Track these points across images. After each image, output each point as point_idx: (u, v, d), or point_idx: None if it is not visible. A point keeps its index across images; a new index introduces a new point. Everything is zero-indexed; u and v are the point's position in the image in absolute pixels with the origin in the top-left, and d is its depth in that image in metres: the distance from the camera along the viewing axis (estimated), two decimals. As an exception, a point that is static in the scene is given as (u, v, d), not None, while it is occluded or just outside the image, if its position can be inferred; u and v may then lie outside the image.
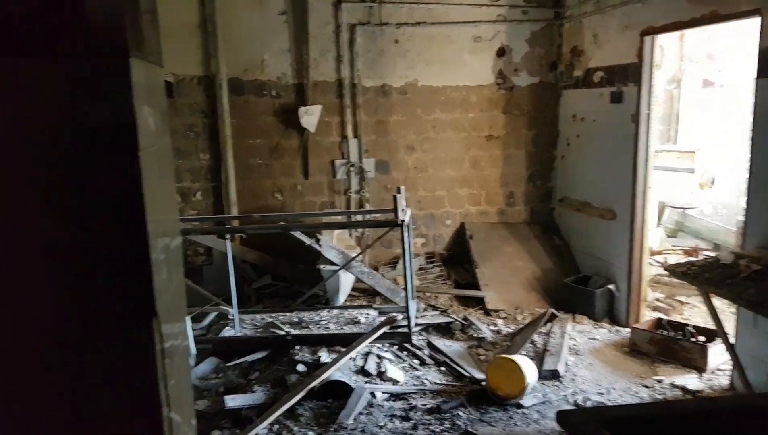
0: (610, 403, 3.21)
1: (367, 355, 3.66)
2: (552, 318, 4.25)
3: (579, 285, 4.56)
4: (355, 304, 4.67)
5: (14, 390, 0.94)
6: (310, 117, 4.88)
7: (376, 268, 5.02)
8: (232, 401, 3.11)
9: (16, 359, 0.94)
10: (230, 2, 4.72)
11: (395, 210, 3.75)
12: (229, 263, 3.98)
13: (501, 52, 5.16)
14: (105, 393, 0.97)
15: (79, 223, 1.00)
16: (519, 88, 5.24)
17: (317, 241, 4.38)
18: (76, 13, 1.02)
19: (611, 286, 4.39)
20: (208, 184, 4.98)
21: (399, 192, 3.83)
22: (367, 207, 5.11)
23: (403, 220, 3.69)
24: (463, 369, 3.57)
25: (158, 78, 1.22)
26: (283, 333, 3.90)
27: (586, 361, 3.76)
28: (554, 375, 3.48)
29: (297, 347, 3.68)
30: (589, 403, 3.24)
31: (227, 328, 4.07)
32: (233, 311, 4.00)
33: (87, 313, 0.97)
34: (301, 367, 3.48)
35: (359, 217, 4.92)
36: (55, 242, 0.98)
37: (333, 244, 4.49)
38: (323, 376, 3.23)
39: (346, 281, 4.64)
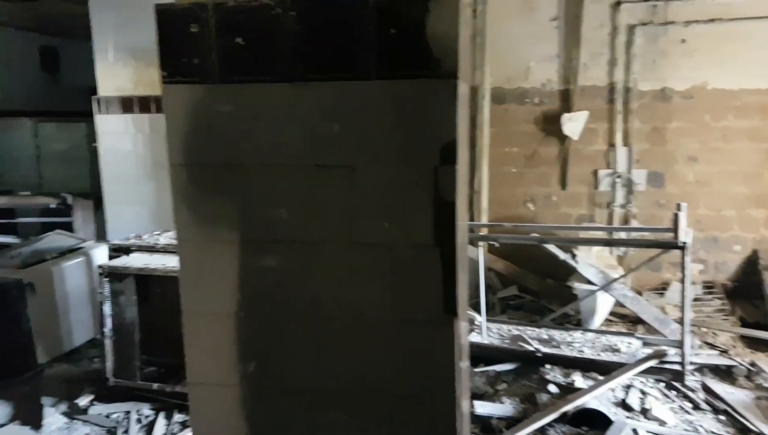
0: None
1: (628, 387, 3.30)
2: None
3: None
4: (614, 329, 4.27)
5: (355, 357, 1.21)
6: (573, 124, 4.64)
7: (639, 293, 4.53)
8: (482, 408, 3.10)
9: (360, 336, 1.19)
10: (500, 13, 4.75)
11: (675, 229, 3.30)
12: (480, 271, 4.00)
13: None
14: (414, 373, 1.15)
15: (413, 225, 1.13)
16: None
17: (573, 256, 4.13)
18: (419, 40, 1.10)
19: None
20: (463, 191, 5.09)
21: (680, 209, 3.37)
22: (634, 223, 4.64)
23: (684, 242, 3.23)
24: (750, 423, 2.98)
25: (466, 94, 1.25)
26: (532, 349, 3.76)
27: None
28: None
29: (548, 366, 3.51)
30: None
31: (474, 333, 4.09)
32: (480, 318, 4.00)
33: (407, 310, 1.07)
34: (552, 388, 3.30)
35: (624, 235, 4.49)
36: (394, 242, 1.09)
37: (591, 262, 4.18)
38: (578, 402, 3.01)
39: (604, 303, 4.27)
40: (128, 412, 3.14)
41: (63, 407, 3.23)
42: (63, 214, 5.84)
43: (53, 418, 3.14)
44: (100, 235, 5.21)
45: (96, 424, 3.07)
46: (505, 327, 4.21)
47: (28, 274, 3.64)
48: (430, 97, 1.12)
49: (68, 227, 5.51)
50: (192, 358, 1.36)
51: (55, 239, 4.30)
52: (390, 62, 1.13)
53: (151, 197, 4.69)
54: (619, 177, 4.70)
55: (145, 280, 3.23)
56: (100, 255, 4.11)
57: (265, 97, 1.19)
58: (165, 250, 3.37)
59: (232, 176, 1.24)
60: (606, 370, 3.35)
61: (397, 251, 1.18)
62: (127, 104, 4.58)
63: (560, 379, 3.40)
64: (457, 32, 1.11)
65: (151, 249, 3.39)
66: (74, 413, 3.17)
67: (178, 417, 3.08)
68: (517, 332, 4.07)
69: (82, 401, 3.26)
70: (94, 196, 5.75)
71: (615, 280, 3.96)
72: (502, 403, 3.19)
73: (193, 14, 1.18)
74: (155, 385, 3.19)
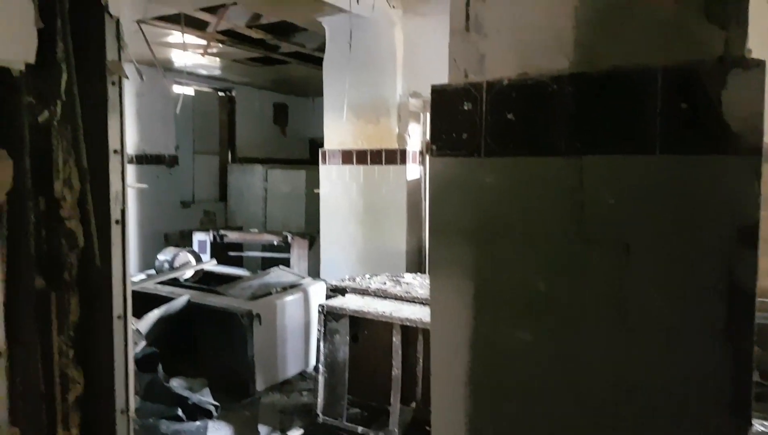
0: None
1: None
2: None
3: None
4: None
5: None
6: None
7: None
8: None
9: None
10: None
11: None
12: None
13: None
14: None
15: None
16: None
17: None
18: (714, 115, 1.02)
19: None
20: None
21: None
22: None
23: None
24: None
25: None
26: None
27: None
28: None
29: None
30: None
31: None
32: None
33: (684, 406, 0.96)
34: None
35: None
36: (673, 328, 1.01)
37: None
38: None
39: None
40: (333, 452, 3.31)
41: (276, 436, 3.53)
42: (282, 250, 6.56)
43: (266, 445, 3.44)
44: (312, 272, 5.71)
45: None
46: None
47: (256, 306, 4.09)
48: (727, 174, 1.02)
49: (286, 263, 6.16)
50: (438, 422, 1.37)
51: (279, 274, 4.81)
52: (678, 137, 1.06)
53: (359, 241, 5.04)
54: None
55: (357, 321, 3.43)
56: (315, 292, 4.48)
57: (533, 169, 1.20)
58: (376, 294, 3.56)
59: (492, 246, 1.25)
60: None
61: (675, 338, 1.07)
62: (346, 156, 5.04)
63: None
64: (761, 107, 1.00)
65: (364, 292, 3.60)
66: (286, 444, 3.43)
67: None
68: (762, 428, 3.46)
69: (293, 434, 3.52)
70: (309, 235, 6.37)
71: None
72: None
73: (467, 93, 1.23)
74: (360, 429, 3.32)
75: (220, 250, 6.64)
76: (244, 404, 3.87)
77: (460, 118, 1.25)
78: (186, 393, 3.66)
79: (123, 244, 2.46)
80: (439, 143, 1.28)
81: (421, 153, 4.96)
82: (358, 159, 4.98)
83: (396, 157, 4.83)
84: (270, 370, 4.14)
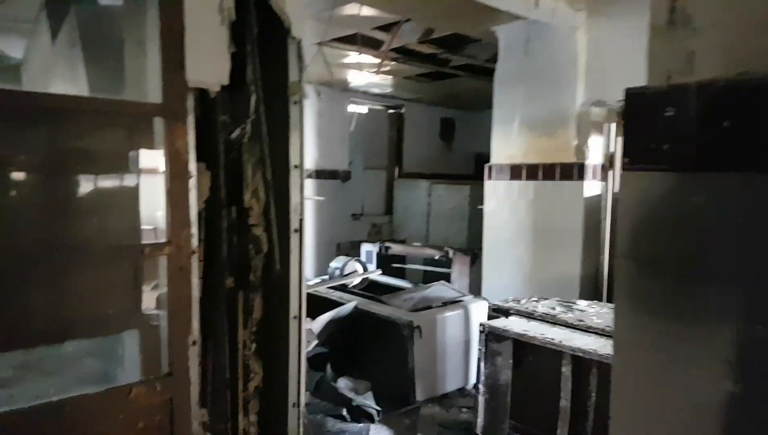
0: None
1: None
2: None
3: None
4: None
5: None
6: None
7: None
8: None
9: None
10: None
11: None
12: None
13: None
14: None
15: None
16: None
17: None
18: None
19: None
20: None
21: None
22: None
23: None
24: None
25: None
26: None
27: None
28: None
29: None
30: None
31: None
32: None
33: None
34: None
35: None
36: None
37: None
38: None
39: None
40: (492, 475, 3.18)
41: (435, 450, 3.48)
42: (443, 265, 6.55)
43: (427, 457, 3.41)
44: (473, 289, 5.60)
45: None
46: None
47: (417, 318, 4.12)
48: None
49: (446, 278, 6.13)
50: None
51: (440, 290, 4.79)
52: None
53: (526, 261, 4.81)
54: None
55: (521, 345, 3.26)
56: (476, 310, 4.38)
57: (753, 189, 0.99)
58: (542, 318, 3.35)
59: (695, 282, 1.06)
60: None
61: None
62: (515, 171, 4.86)
63: None
64: None
65: (529, 315, 3.42)
66: (444, 459, 3.37)
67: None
68: None
69: (452, 449, 3.46)
70: (471, 252, 6.28)
71: None
72: None
73: (671, 96, 1.07)
74: (520, 455, 3.15)
75: (384, 261, 6.84)
76: (403, 412, 3.89)
77: (660, 126, 1.09)
78: (351, 394, 3.79)
79: (300, 251, 2.62)
80: (634, 155, 1.13)
81: (603, 167, 4.54)
82: (529, 174, 4.77)
83: (573, 171, 4.51)
84: (429, 382, 4.13)
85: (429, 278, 6.34)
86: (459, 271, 6.16)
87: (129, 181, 2.23)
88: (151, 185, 2.26)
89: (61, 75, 2.84)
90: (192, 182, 2.24)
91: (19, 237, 1.89)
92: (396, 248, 6.96)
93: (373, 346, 4.26)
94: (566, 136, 4.55)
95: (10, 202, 1.90)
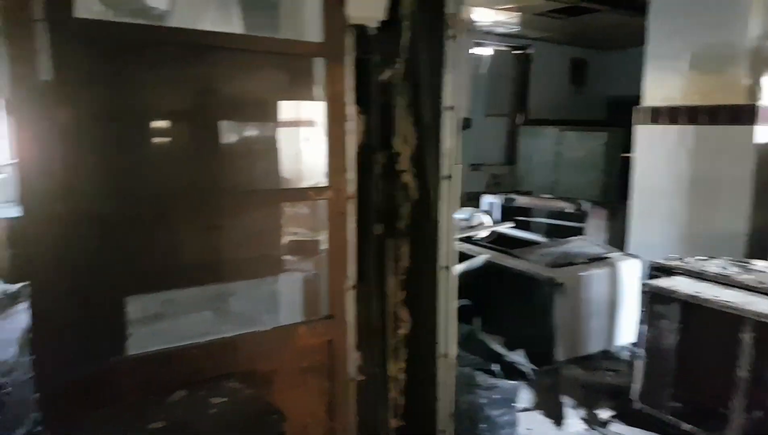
0: None
1: None
2: None
3: None
4: None
5: None
6: None
7: None
8: None
9: None
10: None
11: None
12: None
13: None
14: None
15: None
16: None
17: None
18: None
19: None
20: None
21: None
22: None
23: None
24: None
25: None
26: None
27: None
28: None
29: None
30: None
31: None
32: None
33: None
34: None
35: None
36: None
37: None
38: None
39: None
40: (653, 445, 2.94)
41: (581, 413, 3.27)
42: (571, 218, 6.13)
43: (573, 420, 3.21)
44: (612, 245, 5.20)
45: (617, 445, 2.98)
46: None
47: (558, 274, 3.85)
48: None
49: (576, 232, 5.74)
50: None
51: (582, 245, 4.46)
52: None
53: (680, 215, 4.34)
54: None
55: (690, 308, 2.92)
56: (626, 268, 4.02)
57: None
58: (716, 280, 2.98)
59: None
60: None
61: None
62: (673, 115, 4.33)
63: None
64: None
65: (699, 275, 3.05)
66: (594, 424, 3.16)
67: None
68: None
69: (602, 414, 3.23)
70: (608, 205, 5.81)
71: None
72: None
73: None
74: (686, 425, 2.86)
75: (507, 214, 6.54)
76: (543, 371, 3.71)
77: None
78: (503, 350, 3.67)
79: (450, 199, 2.46)
80: None
81: (780, 110, 3.95)
82: (689, 117, 4.23)
83: (742, 115, 3.93)
84: (571, 342, 3.89)
85: (555, 233, 5.97)
86: (595, 225, 5.74)
87: (289, 124, 2.16)
88: (306, 129, 2.19)
89: (211, 20, 2.81)
90: (350, 126, 2.13)
91: (207, 179, 1.90)
92: (521, 200, 6.62)
93: (509, 301, 4.07)
94: (736, 74, 3.96)
95: (184, 146, 1.89)
